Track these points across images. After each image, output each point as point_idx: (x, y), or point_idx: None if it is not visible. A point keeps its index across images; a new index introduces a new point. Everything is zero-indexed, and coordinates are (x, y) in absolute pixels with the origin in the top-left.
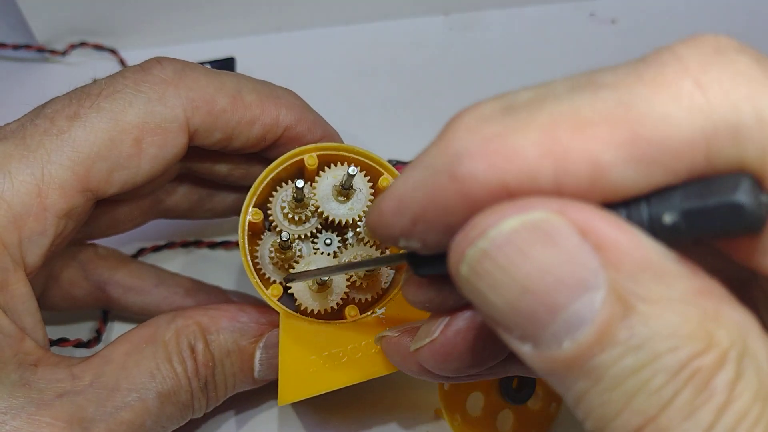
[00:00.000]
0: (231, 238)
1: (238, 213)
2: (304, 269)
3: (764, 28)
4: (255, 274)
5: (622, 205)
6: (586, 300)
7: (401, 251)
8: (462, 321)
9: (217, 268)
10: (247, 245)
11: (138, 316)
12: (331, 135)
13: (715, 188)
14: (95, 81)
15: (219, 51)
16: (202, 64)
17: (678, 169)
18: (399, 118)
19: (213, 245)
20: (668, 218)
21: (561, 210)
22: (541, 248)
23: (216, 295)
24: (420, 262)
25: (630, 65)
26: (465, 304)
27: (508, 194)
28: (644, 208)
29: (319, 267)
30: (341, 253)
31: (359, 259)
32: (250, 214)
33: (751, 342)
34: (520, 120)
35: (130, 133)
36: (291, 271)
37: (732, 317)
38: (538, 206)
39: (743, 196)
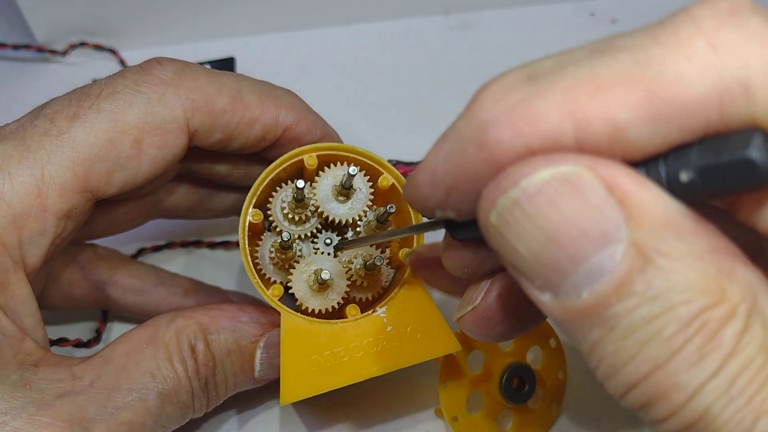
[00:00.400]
0: (231, 238)
1: (237, 213)
2: (306, 264)
3: None
4: (255, 275)
5: (642, 163)
6: (607, 252)
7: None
8: (502, 287)
9: (217, 268)
10: (247, 246)
11: (137, 317)
12: (330, 135)
13: (728, 145)
14: (95, 81)
15: (219, 51)
16: (201, 64)
17: (693, 126)
18: (399, 118)
19: (213, 245)
20: (684, 176)
21: (592, 165)
22: (569, 200)
23: (215, 296)
24: (457, 226)
25: (648, 28)
26: (501, 268)
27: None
28: (662, 166)
29: (321, 264)
30: (341, 252)
31: (359, 259)
32: (250, 214)
33: (761, 298)
34: (542, 86)
35: (130, 134)
36: (291, 271)
37: (744, 275)
38: (571, 160)
39: (755, 151)
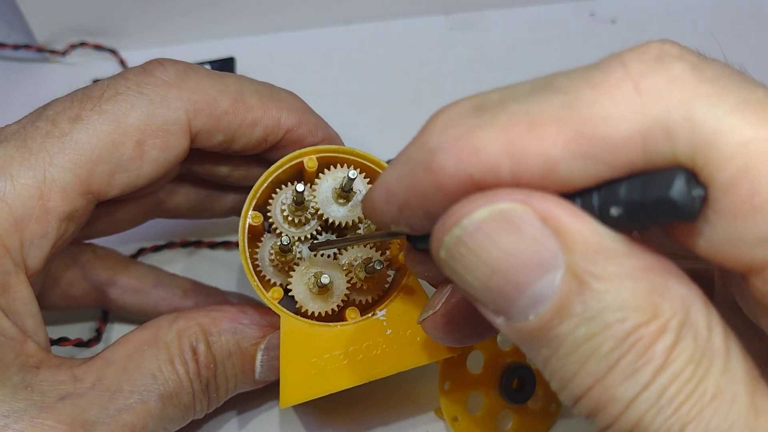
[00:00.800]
0: (231, 238)
1: (237, 213)
2: (306, 267)
3: (764, 28)
4: (255, 277)
5: (577, 194)
6: (547, 279)
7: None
8: (461, 294)
9: (217, 269)
10: (247, 248)
11: (137, 317)
12: (332, 137)
13: (653, 183)
14: (97, 82)
15: (219, 51)
16: (201, 64)
17: (618, 164)
18: (399, 118)
19: (213, 245)
20: (614, 211)
21: (525, 200)
22: (506, 234)
23: (214, 296)
24: (416, 238)
25: (583, 70)
26: None
27: (475, 185)
28: (595, 198)
29: (321, 267)
30: (341, 254)
31: (359, 260)
32: (249, 217)
33: (694, 313)
34: (485, 119)
35: (132, 136)
36: (291, 274)
37: (677, 291)
38: (505, 197)
39: (677, 191)
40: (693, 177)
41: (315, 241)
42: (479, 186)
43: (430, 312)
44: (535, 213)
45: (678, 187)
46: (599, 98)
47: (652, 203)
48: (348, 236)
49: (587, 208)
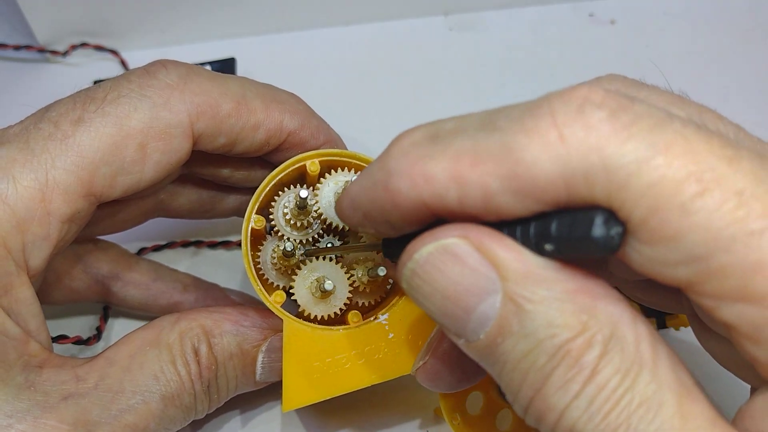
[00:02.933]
0: (232, 238)
1: (239, 214)
2: (309, 271)
3: (764, 27)
4: (258, 281)
5: (518, 223)
6: (489, 302)
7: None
8: (447, 344)
9: (218, 268)
10: (249, 252)
11: (136, 311)
12: (334, 140)
13: (577, 223)
14: (100, 84)
15: (220, 51)
16: (202, 64)
17: (546, 201)
18: (399, 118)
19: (214, 245)
20: (548, 247)
21: (464, 234)
22: (451, 265)
23: (214, 292)
24: (387, 249)
25: (520, 112)
26: None
27: (426, 206)
28: (533, 229)
29: (324, 271)
30: (343, 258)
31: (362, 264)
32: (252, 221)
33: (620, 328)
34: (438, 149)
35: (135, 139)
36: (293, 278)
37: (605, 309)
38: (448, 233)
39: (597, 231)
40: (612, 216)
41: (309, 249)
42: (430, 208)
43: (420, 363)
44: (473, 245)
45: (598, 228)
46: (529, 144)
47: (578, 240)
48: (340, 245)
49: (525, 239)
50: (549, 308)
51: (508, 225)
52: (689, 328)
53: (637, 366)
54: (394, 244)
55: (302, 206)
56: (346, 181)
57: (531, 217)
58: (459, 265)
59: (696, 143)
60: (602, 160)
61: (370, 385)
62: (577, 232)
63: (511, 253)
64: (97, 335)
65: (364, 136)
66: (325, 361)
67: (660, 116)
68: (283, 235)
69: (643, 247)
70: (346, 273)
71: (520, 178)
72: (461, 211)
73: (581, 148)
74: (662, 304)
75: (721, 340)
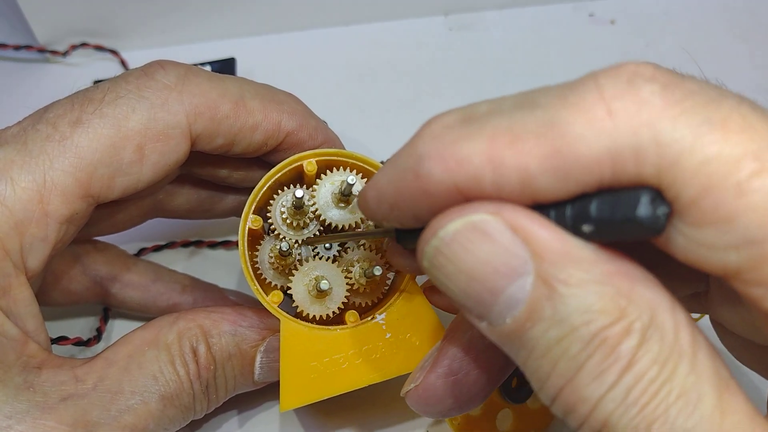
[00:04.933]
0: (231, 238)
1: (238, 214)
2: (306, 270)
3: (764, 27)
4: (255, 281)
5: (552, 206)
6: (519, 284)
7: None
8: (442, 368)
9: (218, 268)
10: (246, 252)
11: (135, 312)
12: (332, 140)
13: (621, 203)
14: (98, 85)
15: (219, 52)
16: (202, 64)
17: (588, 181)
18: (399, 118)
19: (213, 245)
20: (586, 228)
21: (496, 211)
22: (479, 244)
23: (213, 293)
24: (405, 239)
25: (561, 89)
26: None
27: (459, 192)
28: (569, 212)
29: (321, 270)
30: (340, 257)
31: (359, 264)
32: (249, 221)
33: (660, 315)
34: (472, 130)
35: (133, 140)
36: (291, 278)
37: (644, 294)
38: (478, 209)
39: (643, 211)
40: (658, 195)
41: (310, 236)
42: (463, 193)
43: (412, 386)
44: (505, 223)
45: (644, 207)
46: (574, 118)
47: (621, 222)
48: (343, 232)
49: (561, 221)
50: (586, 292)
51: (542, 208)
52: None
53: (676, 356)
54: (409, 231)
55: (299, 206)
56: (343, 181)
57: (567, 201)
58: (488, 243)
59: (753, 120)
60: (654, 135)
61: (367, 385)
62: (620, 212)
63: (547, 232)
64: (98, 336)
65: (363, 136)
66: (323, 361)
67: (714, 92)
68: (280, 235)
69: (690, 230)
70: (343, 273)
71: (563, 155)
72: (497, 196)
73: (632, 122)
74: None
75: (746, 343)
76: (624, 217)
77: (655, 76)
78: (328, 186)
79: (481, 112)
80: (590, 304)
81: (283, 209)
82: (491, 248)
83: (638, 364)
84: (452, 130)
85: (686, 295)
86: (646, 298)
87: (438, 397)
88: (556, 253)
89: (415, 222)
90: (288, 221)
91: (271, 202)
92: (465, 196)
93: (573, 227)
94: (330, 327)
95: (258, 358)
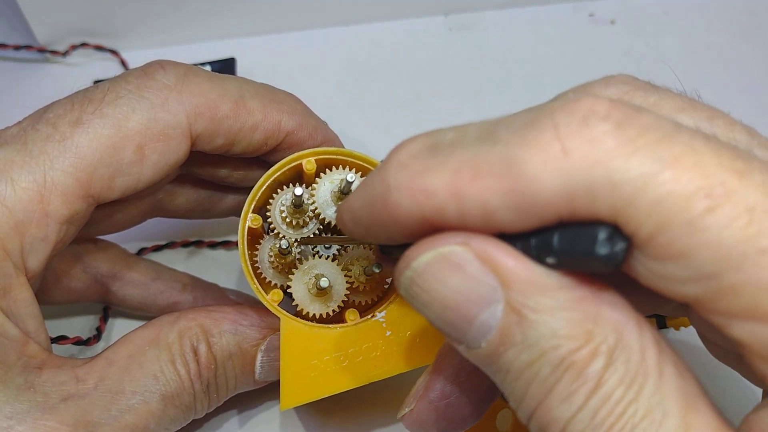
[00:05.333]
0: (231, 237)
1: (237, 214)
2: (306, 269)
3: (764, 27)
4: (255, 280)
5: (519, 237)
6: (490, 311)
7: None
8: (434, 393)
9: (218, 268)
10: (246, 250)
11: (136, 311)
12: (331, 140)
13: (580, 238)
14: (98, 85)
15: (219, 51)
16: (202, 64)
17: (547, 217)
18: (399, 118)
19: (213, 245)
20: (549, 260)
21: (465, 242)
22: (450, 274)
23: (213, 292)
24: (384, 248)
25: (522, 124)
26: None
27: (426, 222)
28: (533, 242)
29: (321, 269)
30: (340, 256)
31: (359, 262)
32: (249, 219)
33: (625, 335)
34: (437, 162)
35: (133, 140)
36: (290, 276)
37: (610, 316)
38: (447, 241)
39: (600, 248)
40: (616, 232)
41: (304, 237)
42: (430, 223)
43: (407, 410)
44: (474, 253)
45: (601, 244)
46: (531, 157)
47: (580, 256)
48: (336, 236)
49: (526, 251)
50: (553, 318)
51: (508, 237)
52: (689, 328)
53: (641, 376)
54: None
55: (298, 204)
56: (342, 180)
57: (532, 232)
58: (458, 274)
59: (705, 156)
60: (607, 174)
61: (368, 384)
62: (580, 247)
63: (514, 261)
64: (97, 335)
65: (363, 136)
66: (323, 360)
67: (668, 128)
68: (279, 233)
69: (650, 263)
70: (343, 271)
71: (520, 193)
72: (462, 226)
73: (585, 162)
74: (666, 310)
75: (728, 352)
76: (583, 252)
77: (610, 114)
78: (327, 184)
79: (446, 142)
80: (557, 329)
81: (282, 208)
82: (461, 278)
83: (605, 386)
84: (418, 160)
85: (675, 305)
86: (612, 320)
87: (432, 420)
88: (523, 282)
89: (391, 242)
90: (287, 220)
91: (271, 201)
92: (433, 225)
93: (537, 258)
94: (330, 325)
95: (259, 357)
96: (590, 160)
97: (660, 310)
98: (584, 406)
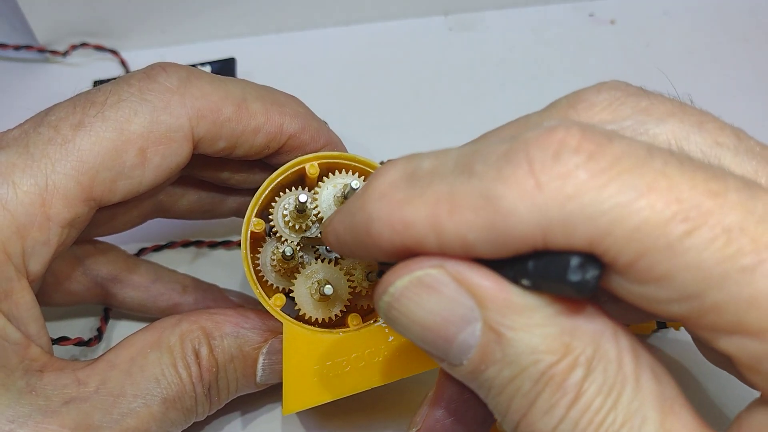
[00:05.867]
0: (232, 238)
1: (238, 215)
2: (309, 273)
3: (764, 27)
4: (258, 285)
5: (494, 261)
6: (469, 331)
7: None
8: (440, 410)
9: (218, 268)
10: (249, 255)
11: (136, 313)
12: (334, 143)
13: (554, 264)
14: (100, 87)
15: (220, 52)
16: (202, 64)
17: (523, 249)
18: (399, 118)
19: (214, 245)
20: (525, 282)
21: (440, 265)
22: (426, 297)
23: (213, 293)
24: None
25: (497, 157)
26: None
27: (408, 250)
28: (509, 269)
29: (324, 274)
30: (342, 260)
31: (360, 270)
32: (252, 224)
33: (602, 345)
34: (415, 194)
35: (135, 143)
36: (293, 281)
37: (587, 328)
38: (422, 265)
39: (572, 275)
40: (588, 259)
41: (304, 237)
42: (411, 251)
43: (414, 430)
44: (449, 275)
45: (573, 271)
46: (506, 192)
47: (553, 281)
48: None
49: (502, 273)
50: (531, 335)
51: (484, 260)
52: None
53: (619, 384)
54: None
55: (301, 210)
56: (345, 184)
57: (508, 259)
58: (435, 296)
59: (679, 181)
60: (581, 208)
61: (370, 389)
62: (553, 273)
63: (489, 282)
64: (98, 337)
65: (364, 136)
66: (325, 365)
67: (639, 155)
68: (281, 237)
69: (632, 286)
70: (345, 275)
71: (497, 227)
72: (441, 254)
73: (559, 196)
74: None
75: (722, 358)
76: (556, 277)
77: (581, 146)
78: (330, 189)
79: (424, 170)
80: (535, 345)
81: (285, 212)
82: (438, 300)
83: (584, 396)
84: (397, 190)
85: None
86: (589, 332)
87: None
88: (499, 301)
89: (376, 260)
90: (290, 224)
91: (273, 204)
92: (414, 253)
93: (513, 279)
94: (332, 330)
95: (260, 360)
96: (564, 194)
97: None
98: (565, 417)
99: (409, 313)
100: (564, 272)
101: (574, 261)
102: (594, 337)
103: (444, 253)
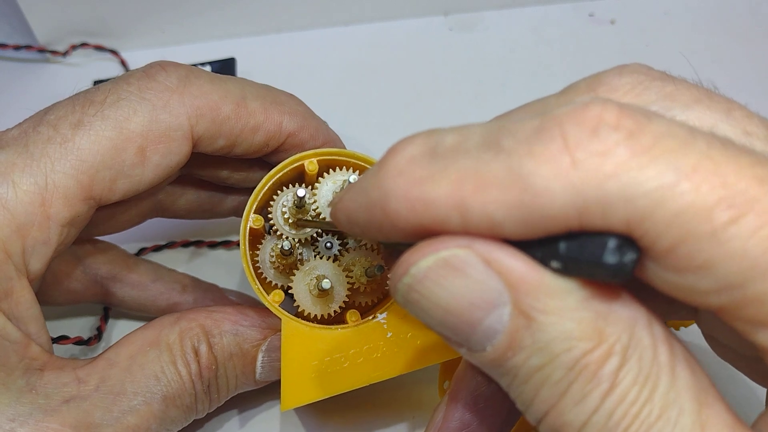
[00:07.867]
0: (231, 237)
1: (238, 214)
2: (307, 270)
3: (764, 27)
4: (256, 280)
5: (522, 241)
6: (496, 315)
7: None
8: (453, 423)
9: (218, 268)
10: (248, 251)
11: (135, 312)
12: (333, 141)
13: (589, 246)
14: (99, 86)
15: (219, 52)
16: (202, 64)
17: (555, 229)
18: (399, 118)
19: (214, 245)
20: (554, 264)
21: (468, 245)
22: (453, 279)
23: (213, 292)
24: (387, 244)
25: (528, 132)
26: None
27: (426, 230)
28: (537, 249)
29: (322, 270)
30: (341, 257)
31: (360, 266)
32: (251, 220)
33: (637, 332)
34: (438, 169)
35: (135, 142)
36: (292, 277)
37: (621, 314)
38: (449, 244)
39: (609, 257)
40: (626, 242)
41: (300, 219)
42: (431, 231)
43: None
44: (478, 256)
45: (610, 253)
46: (539, 169)
47: (587, 264)
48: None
49: (531, 255)
50: (564, 319)
51: (511, 241)
52: (689, 328)
53: (655, 374)
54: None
55: (300, 205)
56: (344, 181)
57: (536, 240)
58: (462, 278)
59: (724, 164)
60: (621, 188)
61: (368, 385)
62: (588, 255)
63: (521, 263)
64: (98, 336)
65: (364, 136)
66: (324, 360)
67: (682, 135)
68: (281, 234)
69: (668, 274)
70: (344, 272)
71: (528, 207)
72: (465, 234)
73: (597, 175)
74: (676, 316)
75: (737, 354)
76: (591, 260)
77: (620, 122)
78: (329, 185)
79: (446, 146)
80: (569, 330)
81: (284, 208)
82: (465, 283)
83: (619, 386)
84: (417, 166)
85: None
86: (624, 318)
87: None
88: (532, 284)
89: (390, 241)
90: (289, 221)
91: (272, 201)
92: (433, 233)
93: (542, 261)
94: (331, 326)
95: (259, 358)
96: (602, 173)
97: (670, 317)
98: (599, 408)
99: (431, 296)
100: (600, 254)
101: (612, 242)
102: (629, 324)
103: (468, 232)
